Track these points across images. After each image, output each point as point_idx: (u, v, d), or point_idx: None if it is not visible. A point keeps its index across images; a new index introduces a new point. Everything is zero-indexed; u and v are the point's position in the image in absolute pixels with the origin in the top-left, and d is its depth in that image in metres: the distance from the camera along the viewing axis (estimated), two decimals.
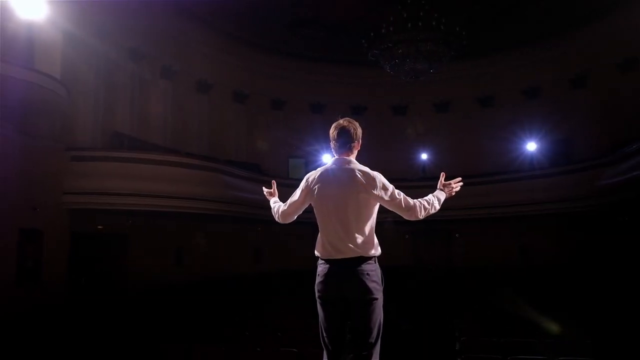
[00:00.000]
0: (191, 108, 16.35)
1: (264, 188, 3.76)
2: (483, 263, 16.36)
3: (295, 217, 3.42)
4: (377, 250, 3.15)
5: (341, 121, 3.30)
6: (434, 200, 3.28)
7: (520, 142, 17.44)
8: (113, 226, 12.78)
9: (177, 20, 14.92)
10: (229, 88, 17.63)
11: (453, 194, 3.42)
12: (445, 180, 3.43)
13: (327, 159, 14.07)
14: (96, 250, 12.35)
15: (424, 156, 18.85)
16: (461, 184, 3.46)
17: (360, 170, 3.13)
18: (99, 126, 12.65)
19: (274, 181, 3.76)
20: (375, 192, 3.06)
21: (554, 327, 6.86)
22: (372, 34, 12.22)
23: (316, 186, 3.17)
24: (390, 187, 3.13)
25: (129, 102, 13.98)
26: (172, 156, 12.79)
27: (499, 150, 17.66)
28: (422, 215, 3.17)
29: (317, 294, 3.16)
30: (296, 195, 3.31)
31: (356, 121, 3.37)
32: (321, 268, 3.16)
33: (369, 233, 3.11)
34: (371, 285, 3.04)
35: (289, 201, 3.36)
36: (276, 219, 3.47)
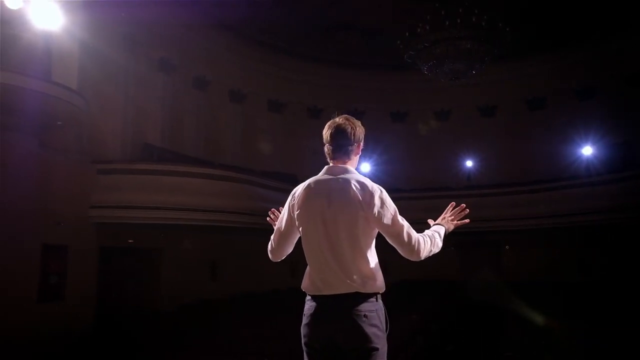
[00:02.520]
0: (225, 118, 16.06)
1: (270, 214, 2.86)
2: (536, 277, 15.18)
3: (286, 251, 2.66)
4: (379, 285, 2.43)
5: (337, 119, 2.56)
6: (436, 237, 2.56)
7: (575, 146, 16.20)
8: (144, 240, 12.51)
9: (207, 30, 14.68)
10: (263, 97, 17.27)
11: (452, 229, 2.73)
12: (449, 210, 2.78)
13: (366, 168, 13.27)
14: (127, 265, 12.11)
15: (469, 163, 17.80)
16: (467, 220, 2.77)
17: (357, 182, 2.41)
18: (128, 138, 12.44)
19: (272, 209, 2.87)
20: (371, 211, 2.35)
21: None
22: (407, 34, 11.48)
23: (300, 203, 2.48)
24: (393, 208, 2.41)
25: (161, 113, 13.78)
26: (200, 168, 12.43)
27: (551, 155, 16.47)
28: (424, 255, 2.47)
29: (302, 340, 2.45)
30: (282, 220, 2.60)
31: (358, 119, 2.65)
32: (308, 306, 2.46)
33: (369, 263, 2.40)
34: (370, 330, 2.33)
35: (275, 230, 2.66)
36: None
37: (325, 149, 2.56)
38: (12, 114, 8.23)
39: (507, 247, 17.04)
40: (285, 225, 2.57)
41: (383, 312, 2.43)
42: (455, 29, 11.07)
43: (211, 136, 15.46)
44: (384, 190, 2.43)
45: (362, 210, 2.35)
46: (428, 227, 2.69)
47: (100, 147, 11.41)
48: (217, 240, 14.18)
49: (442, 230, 2.64)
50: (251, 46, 15.98)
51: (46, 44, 8.81)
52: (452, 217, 2.75)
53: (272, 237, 2.68)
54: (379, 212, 2.35)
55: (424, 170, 17.35)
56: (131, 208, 11.07)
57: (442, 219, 2.74)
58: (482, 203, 14.09)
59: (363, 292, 2.36)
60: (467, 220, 2.78)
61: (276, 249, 2.65)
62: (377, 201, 2.36)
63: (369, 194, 2.37)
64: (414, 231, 2.45)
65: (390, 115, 18.22)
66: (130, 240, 12.23)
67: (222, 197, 12.09)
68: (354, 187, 2.39)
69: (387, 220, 2.37)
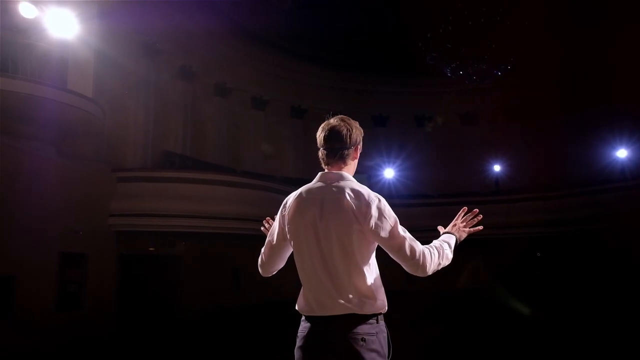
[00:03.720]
0: (247, 125, 16.02)
1: (265, 223, 2.60)
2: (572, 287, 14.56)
3: (278, 266, 2.42)
4: (380, 305, 2.14)
5: (331, 120, 2.31)
6: (445, 248, 2.25)
7: (609, 148, 15.56)
8: (166, 248, 12.46)
9: (228, 37, 14.68)
10: (285, 103, 17.21)
11: (463, 237, 2.42)
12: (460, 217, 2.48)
13: (389, 173, 12.83)
14: (148, 273, 12.05)
15: (497, 168, 17.27)
16: (480, 227, 2.46)
17: (352, 190, 2.13)
18: (149, 146, 12.45)
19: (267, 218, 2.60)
20: (367, 223, 2.06)
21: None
22: (428, 35, 11.16)
23: (291, 214, 2.22)
24: (392, 219, 2.11)
25: (182, 120, 13.78)
26: (219, 175, 12.32)
27: (584, 159, 15.82)
28: (431, 269, 2.16)
29: None
30: (273, 232, 2.34)
31: (355, 120, 2.39)
32: (301, 327, 2.20)
33: (367, 280, 2.12)
34: (368, 356, 2.04)
35: (266, 242, 2.39)
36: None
37: (320, 153, 2.30)
38: (29, 123, 8.25)
39: (538, 254, 16.42)
40: (276, 238, 2.31)
41: (385, 335, 2.15)
42: (479, 29, 10.72)
43: (233, 143, 15.42)
44: (382, 199, 2.14)
45: (356, 222, 2.08)
46: (438, 235, 2.41)
47: (119, 155, 11.43)
48: (239, 247, 14.02)
49: (452, 240, 2.34)
50: (272, 53, 15.91)
51: (62, 53, 8.84)
52: (464, 224, 2.45)
53: (262, 249, 2.42)
54: (376, 224, 2.07)
55: (450, 176, 16.89)
56: (151, 216, 11.03)
57: (452, 227, 2.44)
58: (511, 209, 13.62)
59: (361, 313, 2.09)
60: (480, 228, 2.47)
61: (267, 263, 2.40)
62: (374, 212, 2.08)
63: (364, 204, 2.09)
64: (418, 243, 2.15)
65: (415, 118, 17.87)
66: (151, 249, 12.19)
67: (242, 205, 11.94)
68: (348, 197, 2.11)
69: (385, 233, 2.09)
